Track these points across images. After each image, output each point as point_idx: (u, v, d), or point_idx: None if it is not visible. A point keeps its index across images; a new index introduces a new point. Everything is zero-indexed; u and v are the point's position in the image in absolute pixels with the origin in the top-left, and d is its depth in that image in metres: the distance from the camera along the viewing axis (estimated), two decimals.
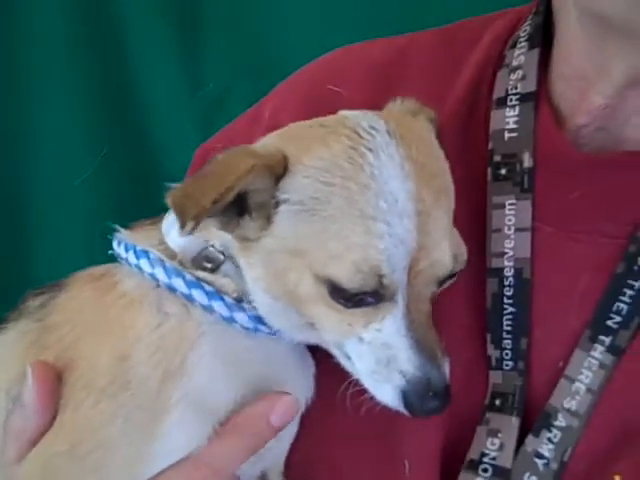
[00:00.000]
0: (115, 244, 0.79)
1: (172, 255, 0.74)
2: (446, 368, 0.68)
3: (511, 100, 0.82)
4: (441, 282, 0.69)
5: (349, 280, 0.64)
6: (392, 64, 0.91)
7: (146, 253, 0.75)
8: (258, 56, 1.51)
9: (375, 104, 0.77)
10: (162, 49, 1.53)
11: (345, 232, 0.64)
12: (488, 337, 0.78)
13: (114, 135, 1.54)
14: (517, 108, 0.81)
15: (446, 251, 0.67)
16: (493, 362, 0.77)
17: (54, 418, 0.72)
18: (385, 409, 0.70)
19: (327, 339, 0.71)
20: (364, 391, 0.69)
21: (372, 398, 0.69)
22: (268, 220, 0.68)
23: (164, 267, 0.74)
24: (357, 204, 0.64)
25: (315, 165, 0.66)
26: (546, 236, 0.78)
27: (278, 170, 0.66)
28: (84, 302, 0.77)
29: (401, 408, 0.67)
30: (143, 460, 0.70)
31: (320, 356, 0.78)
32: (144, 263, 0.74)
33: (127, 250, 0.76)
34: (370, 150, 0.65)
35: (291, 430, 0.79)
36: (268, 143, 0.70)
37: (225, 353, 0.73)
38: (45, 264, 1.53)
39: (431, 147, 0.71)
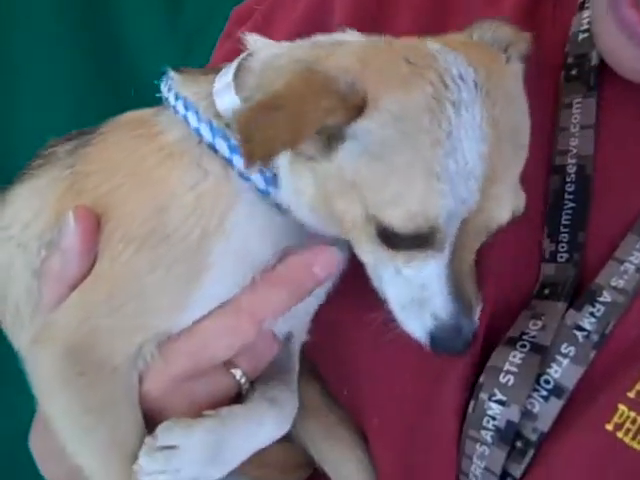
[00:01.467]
0: (164, 88, 0.75)
1: (216, 114, 0.71)
2: (477, 315, 0.67)
3: (587, 1, 0.80)
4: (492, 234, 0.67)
5: (401, 226, 0.62)
6: None
7: (195, 107, 0.71)
8: None
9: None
10: None
11: (407, 183, 0.61)
12: (545, 230, 0.77)
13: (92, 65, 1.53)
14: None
15: (505, 211, 0.64)
16: (547, 255, 0.77)
17: (92, 265, 0.72)
18: None
19: (364, 260, 0.69)
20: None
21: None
22: (330, 146, 0.63)
23: (211, 126, 0.70)
24: (425, 159, 0.60)
25: (392, 110, 0.61)
26: (611, 130, 0.77)
27: (355, 113, 0.61)
28: (122, 150, 0.74)
29: (426, 344, 0.67)
30: (182, 309, 0.70)
31: None
32: (191, 116, 0.71)
33: (176, 98, 0.73)
34: (452, 104, 0.61)
35: (320, 296, 0.79)
36: (347, 67, 0.63)
37: (260, 220, 0.71)
38: None
39: (516, 104, 0.67)
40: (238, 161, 0.69)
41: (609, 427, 0.68)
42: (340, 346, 0.82)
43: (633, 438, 0.67)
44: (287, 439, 0.87)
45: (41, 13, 1.50)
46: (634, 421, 0.67)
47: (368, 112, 0.61)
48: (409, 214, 0.61)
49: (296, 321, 0.80)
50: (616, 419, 0.68)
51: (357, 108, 0.61)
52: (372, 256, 0.67)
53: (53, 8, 1.51)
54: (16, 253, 0.78)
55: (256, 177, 0.70)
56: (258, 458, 0.84)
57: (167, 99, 0.74)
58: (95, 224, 0.71)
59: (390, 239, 0.63)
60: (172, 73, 0.75)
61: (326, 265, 0.71)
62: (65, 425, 0.72)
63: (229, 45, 0.96)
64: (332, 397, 0.86)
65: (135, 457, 0.69)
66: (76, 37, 1.52)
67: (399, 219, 0.62)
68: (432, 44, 0.65)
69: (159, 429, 0.70)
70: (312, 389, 0.85)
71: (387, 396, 0.80)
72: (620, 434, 0.67)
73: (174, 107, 0.73)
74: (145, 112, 0.77)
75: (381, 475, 0.83)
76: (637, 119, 0.77)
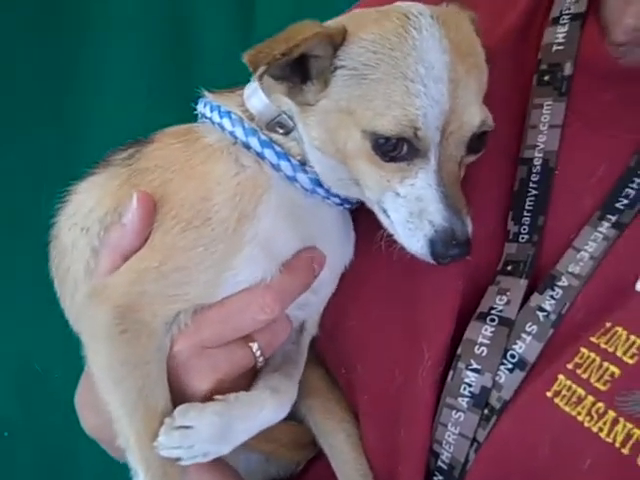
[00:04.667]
0: (200, 105, 0.90)
1: (250, 118, 0.86)
2: (469, 223, 0.78)
3: (563, 19, 0.93)
4: (469, 148, 0.79)
5: (389, 130, 0.75)
6: None
7: (228, 113, 0.86)
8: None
9: None
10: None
11: (388, 92, 0.75)
12: (510, 214, 0.88)
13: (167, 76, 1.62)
14: (567, 25, 0.92)
15: (475, 114, 0.77)
16: (510, 235, 0.88)
17: (146, 241, 0.83)
18: (410, 272, 0.84)
19: (369, 196, 0.82)
20: (395, 242, 0.80)
21: (402, 248, 0.80)
22: (326, 84, 0.79)
23: (243, 126, 0.85)
24: (400, 68, 0.75)
25: (368, 38, 0.77)
26: (575, 131, 0.88)
27: (337, 39, 0.78)
28: (172, 152, 0.88)
29: (427, 255, 0.77)
30: (217, 284, 0.82)
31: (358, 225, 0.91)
32: (226, 122, 0.86)
33: (212, 110, 0.87)
34: (415, 28, 0.77)
35: (329, 287, 0.92)
36: (333, 21, 0.82)
37: (287, 206, 0.85)
38: None
39: (468, 34, 0.82)
40: (269, 154, 0.84)
41: (549, 394, 0.76)
42: (337, 333, 0.94)
43: (566, 403, 0.75)
44: (295, 420, 0.98)
45: (122, 22, 1.60)
46: (569, 388, 0.75)
47: (349, 40, 0.77)
48: (394, 119, 0.74)
49: (311, 310, 0.92)
50: (555, 387, 0.76)
51: (339, 36, 0.77)
52: (374, 185, 0.79)
53: (134, 18, 1.60)
54: (80, 236, 0.90)
55: (285, 165, 0.84)
56: (268, 435, 0.96)
57: (203, 113, 0.89)
58: (152, 206, 0.83)
59: (383, 149, 0.76)
60: (206, 93, 0.91)
61: (319, 263, 0.86)
62: (103, 374, 0.82)
63: None
64: (332, 381, 0.98)
65: (155, 411, 0.80)
66: (154, 49, 1.61)
67: (387, 124, 0.75)
68: (398, 2, 0.82)
69: (176, 411, 0.80)
70: (315, 373, 0.97)
71: (375, 374, 0.90)
72: (557, 400, 0.76)
73: (210, 118, 0.88)
74: (185, 125, 0.91)
75: (367, 450, 0.93)
76: (597, 127, 0.87)
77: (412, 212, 0.77)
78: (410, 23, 0.77)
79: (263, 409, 0.84)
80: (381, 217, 0.82)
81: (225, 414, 0.81)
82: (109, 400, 0.82)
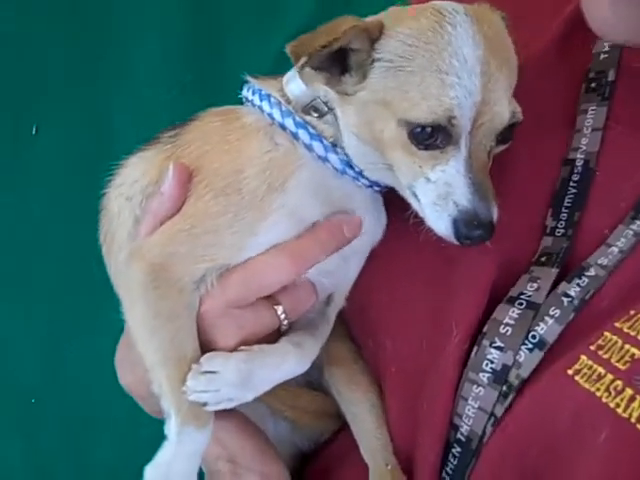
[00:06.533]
0: (244, 89, 0.96)
1: (287, 101, 0.91)
2: (493, 208, 0.81)
3: None
4: (498, 139, 0.83)
5: (425, 119, 0.79)
6: None
7: (268, 96, 0.92)
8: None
9: None
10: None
11: (424, 84, 0.79)
12: (549, 211, 0.93)
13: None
14: None
15: (505, 107, 0.81)
16: (548, 230, 0.92)
17: (181, 207, 0.89)
18: (445, 255, 0.88)
19: (401, 180, 0.86)
20: (423, 224, 0.84)
21: (430, 230, 0.84)
22: (364, 76, 0.84)
23: (280, 109, 0.91)
24: (435, 62, 0.79)
25: (405, 32, 0.81)
26: (615, 135, 0.92)
27: (375, 33, 0.82)
28: (211, 128, 0.94)
29: (451, 235, 0.81)
30: (242, 248, 0.87)
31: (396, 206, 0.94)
32: (265, 104, 0.91)
33: (253, 94, 0.94)
34: (450, 24, 0.80)
35: (359, 261, 0.96)
36: (373, 17, 0.86)
37: (316, 184, 0.90)
38: None
39: (500, 30, 0.86)
40: (302, 134, 0.89)
41: (570, 372, 0.79)
42: (367, 307, 0.98)
43: (586, 380, 0.77)
44: (321, 390, 1.02)
45: (145, 18, 1.61)
46: (590, 367, 0.78)
47: (387, 33, 0.82)
48: (429, 107, 0.79)
49: (339, 282, 0.97)
50: (577, 366, 0.78)
51: (377, 30, 0.82)
52: (407, 171, 0.84)
53: (157, 15, 1.61)
54: (124, 204, 0.96)
55: (317, 146, 0.89)
56: (295, 402, 1.00)
57: (246, 97, 0.95)
58: (188, 176, 0.89)
59: (419, 137, 0.80)
60: (250, 78, 0.97)
61: (352, 228, 0.90)
62: (138, 326, 0.88)
63: None
64: (358, 353, 1.02)
65: (185, 359, 0.85)
66: (177, 48, 1.63)
67: (423, 113, 0.79)
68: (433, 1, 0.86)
69: (203, 358, 0.85)
70: (342, 344, 1.02)
71: (403, 348, 0.94)
72: (577, 377, 0.78)
73: (252, 100, 0.94)
74: (227, 106, 0.97)
75: (390, 421, 0.97)
76: (637, 132, 0.90)
77: (440, 195, 0.81)
78: (445, 19, 0.81)
79: (285, 361, 0.89)
80: (411, 200, 0.86)
81: (249, 361, 0.86)
82: (144, 350, 0.87)
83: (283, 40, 1.52)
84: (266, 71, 1.42)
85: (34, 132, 1.66)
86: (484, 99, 0.79)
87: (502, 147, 0.85)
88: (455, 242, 0.82)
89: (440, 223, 0.82)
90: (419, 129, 0.80)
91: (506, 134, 0.84)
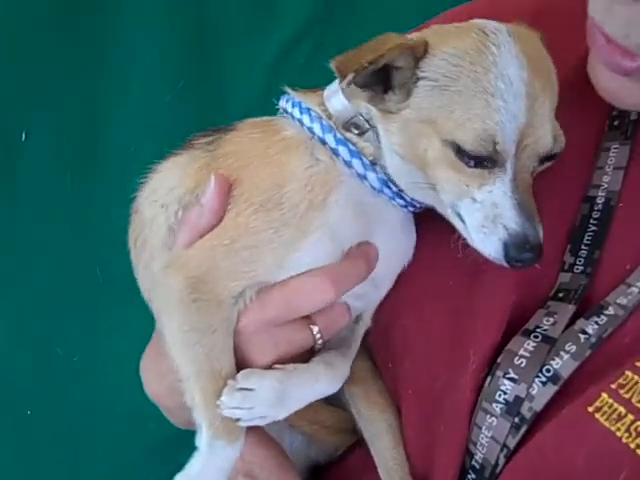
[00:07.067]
0: (282, 101, 0.95)
1: (328, 116, 0.91)
2: (540, 230, 0.81)
3: None
4: (541, 160, 0.83)
5: (470, 144, 0.79)
6: (541, 13, 1.01)
7: (309, 110, 0.91)
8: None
9: None
10: None
11: (469, 104, 0.79)
12: (568, 247, 0.93)
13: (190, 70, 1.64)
14: None
15: (548, 131, 0.81)
16: (566, 266, 0.92)
17: (221, 220, 0.89)
18: (466, 283, 0.89)
19: (444, 199, 0.84)
20: (467, 246, 0.84)
21: (475, 252, 0.83)
22: (408, 95, 0.84)
23: (321, 123, 0.90)
24: (480, 83, 0.79)
25: (449, 51, 0.81)
26: (637, 173, 0.92)
27: (419, 52, 0.82)
28: (251, 140, 0.93)
29: (501, 258, 0.80)
30: (282, 265, 0.87)
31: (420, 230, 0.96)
32: (305, 118, 0.91)
33: (293, 106, 0.93)
34: (494, 44, 0.80)
35: (387, 283, 0.97)
36: (417, 35, 0.87)
37: (355, 202, 0.90)
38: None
39: (541, 51, 0.86)
40: (343, 151, 0.89)
41: (590, 409, 0.79)
42: (391, 327, 0.99)
43: (607, 419, 0.78)
44: (339, 406, 1.03)
45: (147, 18, 1.62)
46: (611, 406, 0.78)
47: (431, 52, 0.82)
48: (475, 132, 0.78)
49: (369, 303, 0.98)
50: (597, 403, 0.79)
51: (421, 49, 0.82)
52: (452, 190, 0.83)
53: (160, 15, 1.62)
54: (159, 212, 0.96)
55: (357, 163, 0.89)
56: (312, 417, 1.00)
57: (285, 109, 0.95)
58: (228, 188, 0.89)
59: (465, 155, 0.80)
60: (289, 90, 0.96)
61: (373, 258, 0.91)
62: (174, 338, 0.88)
63: None
64: (377, 374, 1.03)
65: (220, 374, 0.85)
66: (178, 47, 1.63)
67: (468, 137, 0.78)
68: (474, 20, 0.86)
69: (239, 375, 0.85)
70: (363, 364, 1.02)
71: (422, 372, 0.95)
72: (597, 415, 0.79)
73: (291, 113, 0.93)
74: (265, 117, 0.97)
75: (407, 440, 0.98)
76: None
77: (487, 217, 0.81)
78: (489, 39, 0.81)
79: (318, 380, 0.89)
80: (454, 221, 0.86)
81: (284, 381, 0.86)
82: (179, 361, 0.87)
83: (278, 46, 1.53)
84: (260, 77, 1.43)
85: (24, 138, 1.64)
86: (528, 122, 0.79)
87: (545, 166, 0.85)
88: (505, 265, 0.82)
89: (489, 246, 0.81)
90: (465, 148, 0.80)
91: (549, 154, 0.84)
